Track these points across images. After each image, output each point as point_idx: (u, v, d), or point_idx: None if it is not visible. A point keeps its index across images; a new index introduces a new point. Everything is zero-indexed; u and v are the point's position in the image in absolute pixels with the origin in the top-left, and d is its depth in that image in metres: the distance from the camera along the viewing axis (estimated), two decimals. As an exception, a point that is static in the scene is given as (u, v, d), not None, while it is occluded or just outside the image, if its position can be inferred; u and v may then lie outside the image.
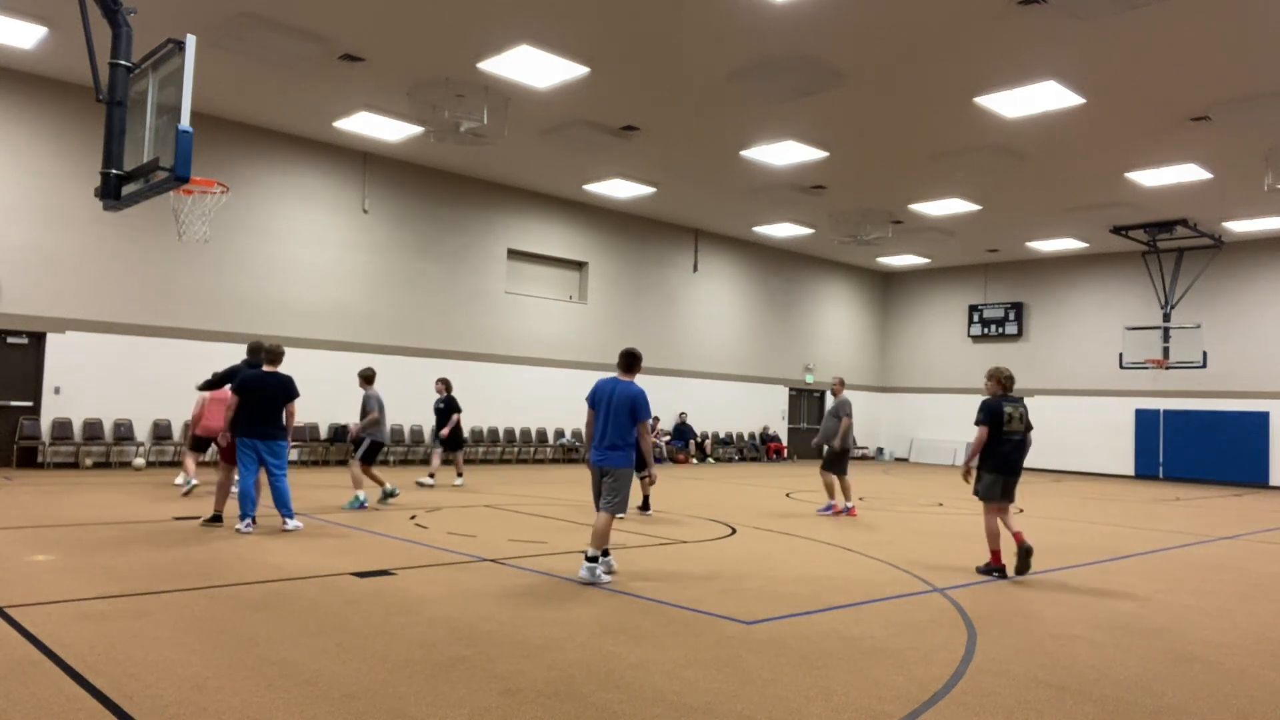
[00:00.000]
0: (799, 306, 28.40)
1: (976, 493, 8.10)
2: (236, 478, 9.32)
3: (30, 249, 14.95)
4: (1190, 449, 24.14)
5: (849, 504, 12.30)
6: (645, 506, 11.50)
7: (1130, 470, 25.20)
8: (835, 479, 12.35)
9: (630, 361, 7.42)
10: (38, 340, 15.16)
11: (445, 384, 14.54)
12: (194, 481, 11.77)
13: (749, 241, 26.60)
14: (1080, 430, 26.19)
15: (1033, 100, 13.97)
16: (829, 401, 12.82)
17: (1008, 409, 7.92)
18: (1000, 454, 7.93)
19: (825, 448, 12.57)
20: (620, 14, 11.79)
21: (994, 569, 7.90)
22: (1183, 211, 20.65)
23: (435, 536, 8.96)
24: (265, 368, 9.31)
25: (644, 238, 24.06)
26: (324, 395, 18.03)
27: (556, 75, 13.76)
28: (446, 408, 14.28)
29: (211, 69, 14.16)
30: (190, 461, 12.16)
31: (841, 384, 12.90)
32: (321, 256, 18.23)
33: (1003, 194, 19.86)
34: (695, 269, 25.32)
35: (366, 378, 11.78)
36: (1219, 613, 6.67)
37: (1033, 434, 8.21)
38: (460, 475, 14.54)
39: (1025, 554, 7.77)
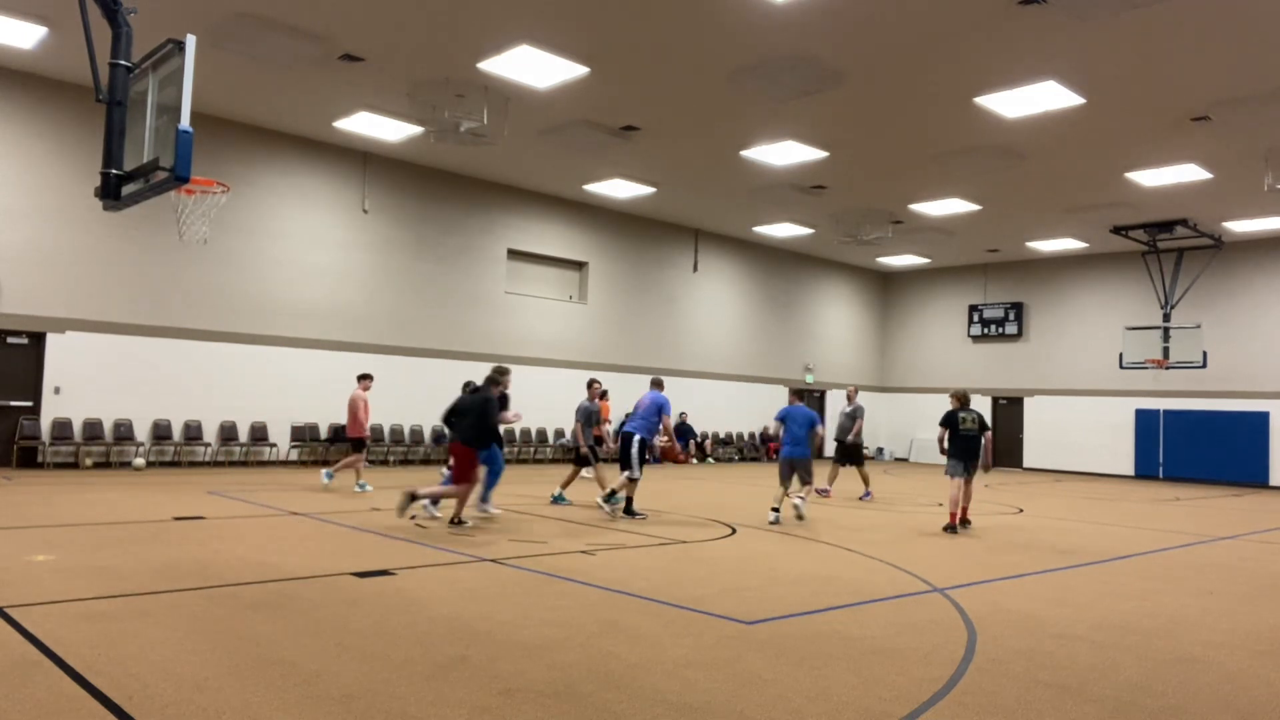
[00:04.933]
0: (799, 306, 28.41)
1: (946, 472, 11.26)
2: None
3: (30, 249, 14.95)
4: (1190, 449, 24.14)
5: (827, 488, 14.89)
6: (629, 509, 11.17)
7: (1130, 470, 25.20)
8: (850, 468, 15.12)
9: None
10: (38, 340, 15.16)
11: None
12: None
13: (749, 241, 26.60)
14: (1080, 430, 26.20)
15: (1033, 100, 13.97)
16: (844, 404, 15.33)
17: (962, 415, 11.22)
18: (957, 446, 11.18)
19: (841, 443, 15.04)
20: (620, 14, 11.79)
21: (952, 526, 10.84)
22: (1183, 211, 20.65)
23: (435, 536, 8.97)
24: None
25: (644, 238, 24.06)
26: (324, 396, 18.06)
27: (556, 75, 13.76)
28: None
29: (211, 69, 14.17)
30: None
31: (856, 390, 15.62)
32: (321, 256, 18.23)
33: (1003, 194, 19.87)
34: (695, 269, 25.33)
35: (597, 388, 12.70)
36: (1219, 613, 6.66)
37: (989, 433, 11.40)
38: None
39: (962, 523, 11.05)
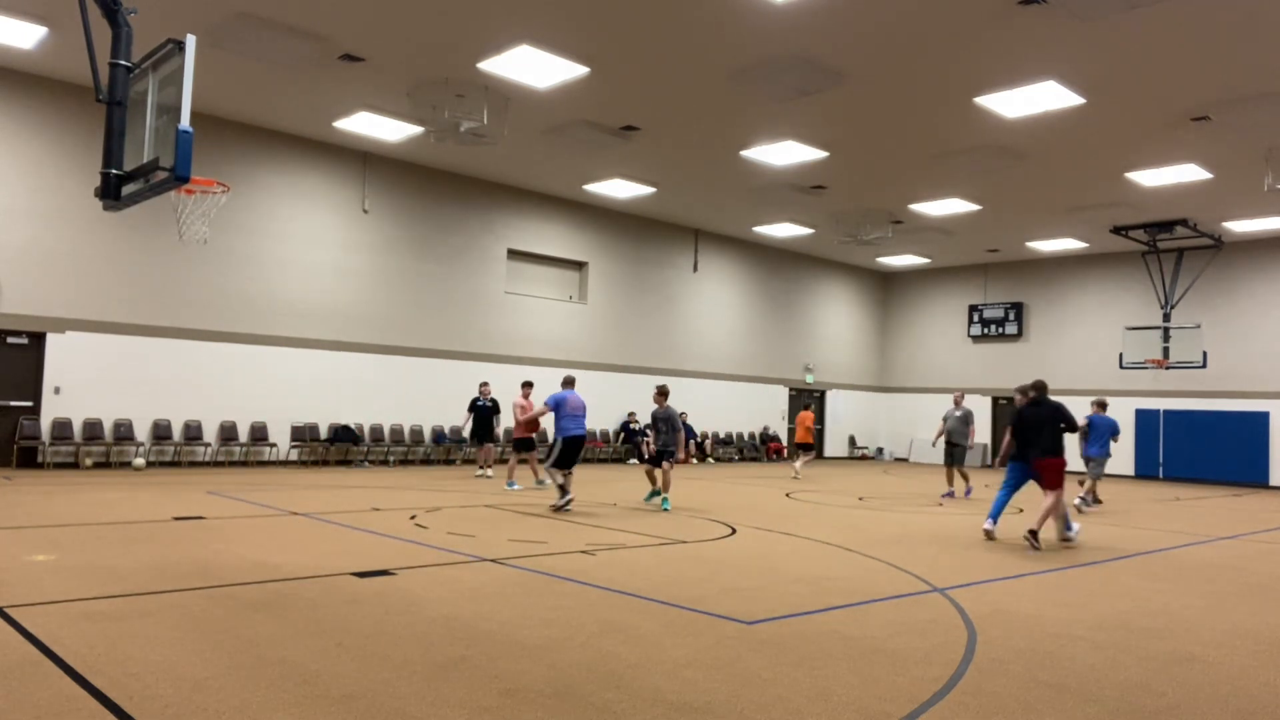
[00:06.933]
0: (799, 306, 28.41)
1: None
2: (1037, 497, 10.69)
3: (30, 249, 14.95)
4: (1190, 449, 24.14)
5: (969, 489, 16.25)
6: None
7: (1130, 470, 25.20)
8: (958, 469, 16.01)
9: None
10: (38, 340, 15.16)
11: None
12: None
13: (749, 241, 26.60)
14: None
15: (1033, 100, 13.97)
16: (954, 409, 15.90)
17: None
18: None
19: (954, 446, 15.77)
20: (620, 14, 11.79)
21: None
22: (1183, 211, 20.65)
23: (435, 536, 8.97)
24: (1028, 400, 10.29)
25: (644, 238, 24.06)
26: (324, 395, 18.08)
27: (556, 75, 13.77)
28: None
29: (211, 69, 14.17)
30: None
31: (963, 395, 16.69)
32: (321, 256, 18.24)
33: (1003, 194, 19.87)
34: (695, 269, 25.33)
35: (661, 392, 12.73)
36: (1219, 613, 6.67)
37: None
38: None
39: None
